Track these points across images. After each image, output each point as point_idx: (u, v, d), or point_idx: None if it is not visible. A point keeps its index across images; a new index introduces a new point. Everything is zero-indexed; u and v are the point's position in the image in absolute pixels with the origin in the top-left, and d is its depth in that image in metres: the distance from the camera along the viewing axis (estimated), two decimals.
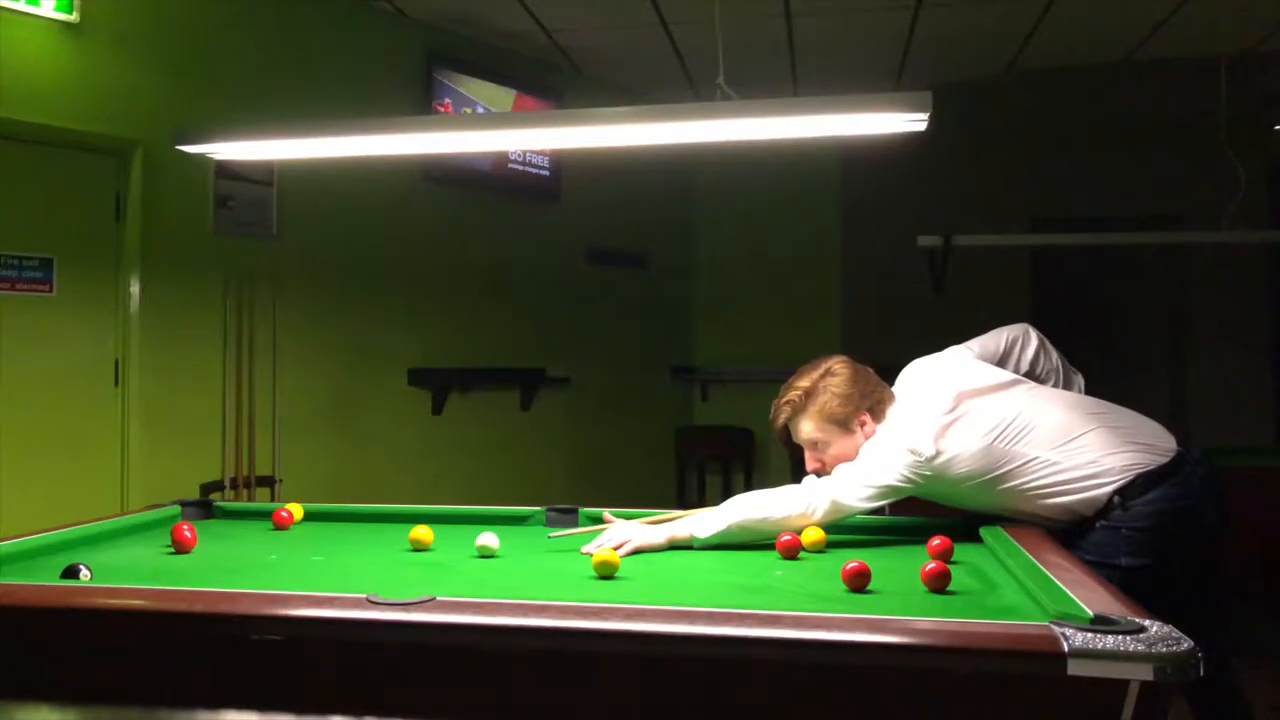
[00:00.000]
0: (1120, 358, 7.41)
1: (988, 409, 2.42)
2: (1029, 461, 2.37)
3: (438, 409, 5.37)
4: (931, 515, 2.59)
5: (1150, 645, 1.41)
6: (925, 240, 5.41)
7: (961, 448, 2.38)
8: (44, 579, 1.99)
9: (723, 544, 2.38)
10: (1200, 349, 7.58)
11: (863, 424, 2.54)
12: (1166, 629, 1.47)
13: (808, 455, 2.62)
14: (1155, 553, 2.32)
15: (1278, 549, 3.95)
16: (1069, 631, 1.45)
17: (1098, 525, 2.36)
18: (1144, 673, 1.39)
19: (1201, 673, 1.40)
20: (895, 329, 7.40)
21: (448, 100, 5.33)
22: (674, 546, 2.39)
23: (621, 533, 2.37)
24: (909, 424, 2.44)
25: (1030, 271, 7.74)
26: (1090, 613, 1.55)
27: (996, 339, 2.70)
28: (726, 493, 6.79)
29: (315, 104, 4.65)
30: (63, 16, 3.86)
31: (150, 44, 4.18)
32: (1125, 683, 1.40)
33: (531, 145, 5.33)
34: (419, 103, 5.20)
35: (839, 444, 2.55)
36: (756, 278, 7.09)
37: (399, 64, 5.17)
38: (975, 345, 2.69)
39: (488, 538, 2.33)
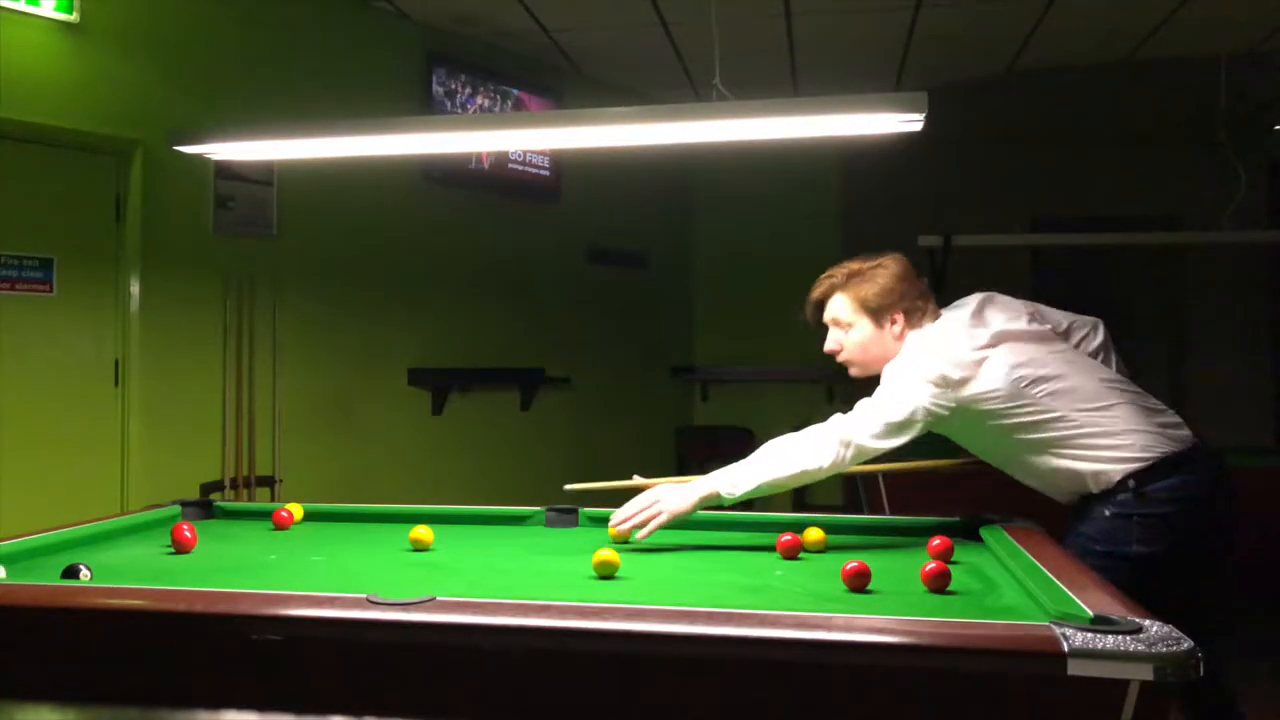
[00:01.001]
0: (1120, 357, 7.42)
1: (1023, 354, 2.38)
2: (1054, 415, 2.34)
3: (438, 409, 5.37)
4: (931, 515, 2.59)
5: (1150, 645, 1.41)
6: (925, 240, 5.41)
7: (989, 385, 2.33)
8: (44, 579, 1.99)
9: (751, 499, 2.36)
10: (1200, 349, 7.58)
11: (894, 322, 2.50)
12: (1166, 629, 1.47)
13: (829, 336, 2.60)
14: (1168, 541, 2.31)
15: (1277, 549, 3.94)
16: (1069, 631, 1.45)
17: (1107, 514, 2.34)
18: (1144, 673, 1.39)
19: (1201, 673, 1.40)
20: None
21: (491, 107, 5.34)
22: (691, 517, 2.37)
23: (651, 500, 2.36)
24: (941, 349, 2.39)
25: (1030, 271, 7.74)
26: (1090, 613, 1.55)
27: (1065, 317, 2.63)
28: None
29: (315, 104, 4.65)
30: (63, 16, 3.86)
31: (150, 44, 4.18)
32: (1125, 683, 1.40)
33: (531, 145, 5.33)
34: (419, 103, 5.20)
35: (863, 333, 2.53)
36: (756, 278, 7.09)
37: (399, 64, 5.17)
38: (1041, 308, 2.62)
39: None
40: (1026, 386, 2.34)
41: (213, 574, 2.11)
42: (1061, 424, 2.35)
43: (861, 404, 2.40)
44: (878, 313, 2.51)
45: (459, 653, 1.62)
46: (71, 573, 1.99)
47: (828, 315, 2.60)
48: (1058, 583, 1.78)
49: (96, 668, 1.72)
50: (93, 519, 2.60)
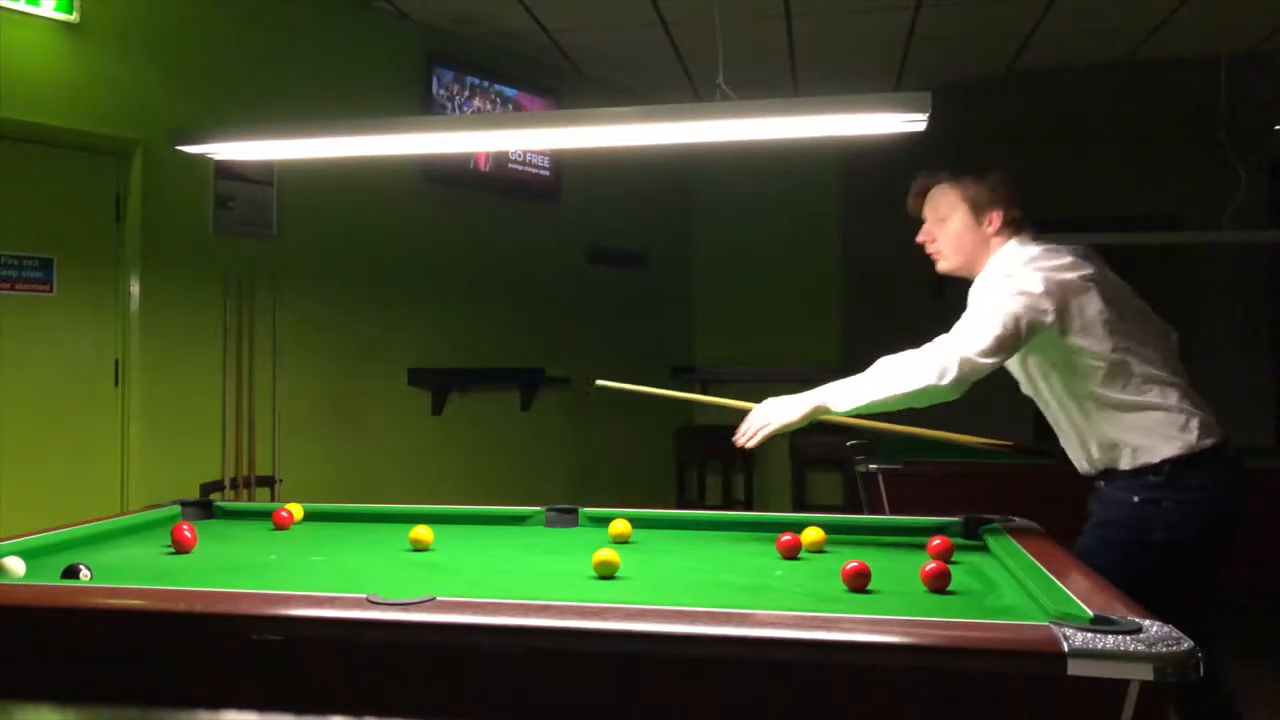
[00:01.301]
0: None
1: (1116, 302, 2.40)
2: (1123, 369, 2.34)
3: (438, 409, 5.37)
4: (931, 515, 2.59)
5: (1150, 645, 1.41)
6: None
7: (1082, 314, 2.34)
8: (44, 579, 1.99)
9: (860, 416, 2.37)
10: (1200, 349, 7.57)
11: (991, 221, 2.52)
12: (1166, 629, 1.47)
13: (924, 227, 2.62)
14: (1192, 530, 2.33)
15: (1277, 550, 3.94)
16: (1069, 631, 1.45)
17: (1135, 500, 2.35)
18: (1144, 673, 1.39)
19: (1202, 673, 1.40)
20: (895, 329, 7.40)
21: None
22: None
23: (760, 416, 2.40)
24: (1045, 264, 2.38)
25: None
26: (1090, 613, 1.55)
27: (1146, 306, 2.61)
28: (727, 493, 6.80)
29: (315, 104, 4.65)
30: (63, 16, 3.86)
31: (150, 44, 4.18)
32: (1125, 683, 1.40)
33: (531, 145, 5.33)
34: (419, 103, 5.20)
35: (959, 225, 2.54)
36: (756, 278, 7.09)
37: (399, 64, 5.17)
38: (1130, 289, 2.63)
39: (11, 561, 2.02)
40: (1111, 331, 2.34)
41: (213, 574, 2.11)
42: (1126, 381, 2.35)
43: (961, 324, 2.36)
44: (977, 207, 2.54)
45: (459, 653, 1.62)
46: (71, 573, 1.99)
47: (928, 205, 2.62)
48: (1058, 583, 1.78)
49: (96, 668, 1.72)
50: (93, 519, 2.60)
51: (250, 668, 1.67)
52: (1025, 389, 2.57)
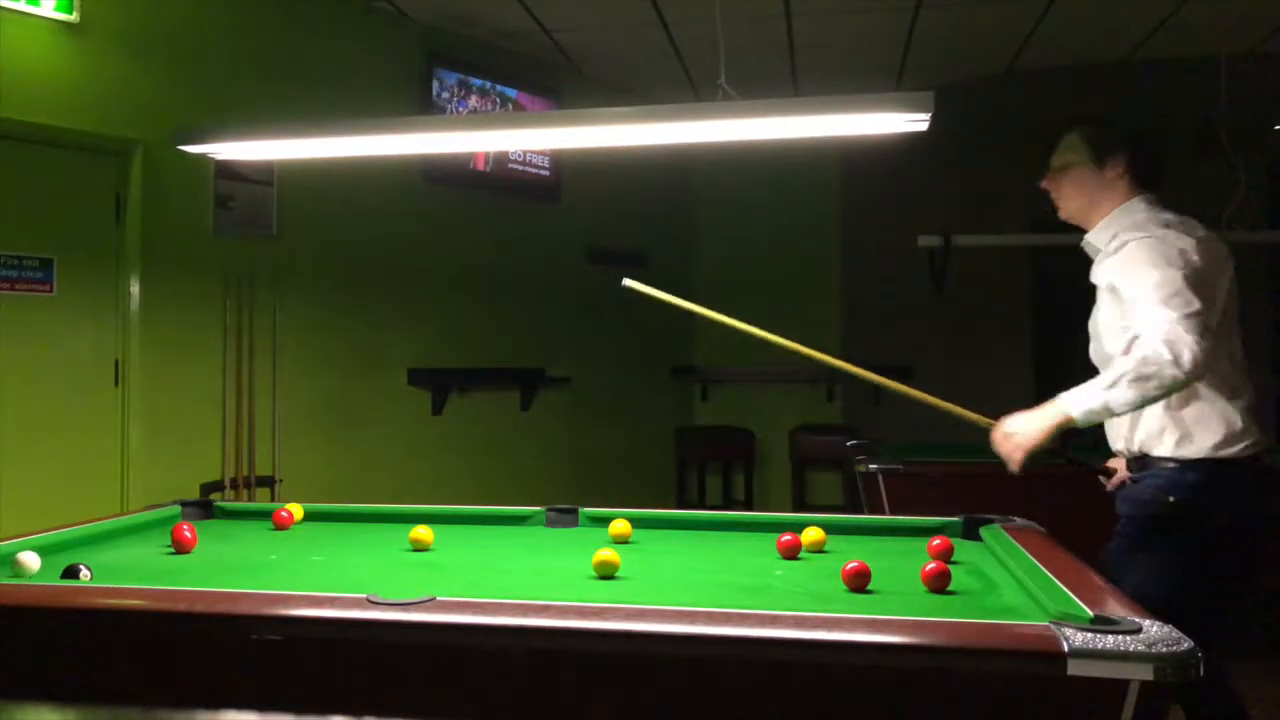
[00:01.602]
0: None
1: (1231, 292, 2.44)
2: (1215, 359, 2.32)
3: (438, 409, 5.37)
4: (931, 515, 2.59)
5: (1150, 645, 1.41)
6: (925, 240, 5.40)
7: (1213, 292, 2.35)
8: (44, 579, 1.99)
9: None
10: None
11: (1115, 167, 2.52)
12: (1166, 629, 1.47)
13: (1048, 175, 2.62)
14: (1223, 535, 2.33)
15: (1278, 551, 3.94)
16: (1069, 631, 1.45)
17: (1171, 499, 2.34)
18: (1144, 673, 1.39)
19: (1202, 673, 1.41)
20: (895, 329, 7.41)
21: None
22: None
23: (1009, 443, 2.33)
24: (1193, 229, 2.41)
25: (1030, 271, 7.74)
26: (1090, 613, 1.55)
27: None
28: (727, 493, 6.80)
29: (315, 104, 4.65)
30: (63, 16, 3.86)
31: (150, 44, 4.18)
32: (1125, 683, 1.40)
33: (531, 145, 5.33)
34: (419, 103, 5.20)
35: (1079, 170, 2.54)
36: (756, 278, 7.09)
37: (399, 64, 5.17)
38: None
39: (27, 556, 2.06)
40: (1220, 318, 2.35)
41: (213, 574, 2.12)
42: (1208, 369, 2.32)
43: (1156, 314, 2.26)
44: (1098, 150, 2.53)
45: (459, 653, 1.62)
46: (71, 573, 1.99)
47: (1055, 153, 2.61)
48: (1058, 583, 1.78)
49: (96, 668, 1.72)
50: (93, 519, 2.60)
51: (250, 668, 1.67)
52: (1095, 354, 2.50)
